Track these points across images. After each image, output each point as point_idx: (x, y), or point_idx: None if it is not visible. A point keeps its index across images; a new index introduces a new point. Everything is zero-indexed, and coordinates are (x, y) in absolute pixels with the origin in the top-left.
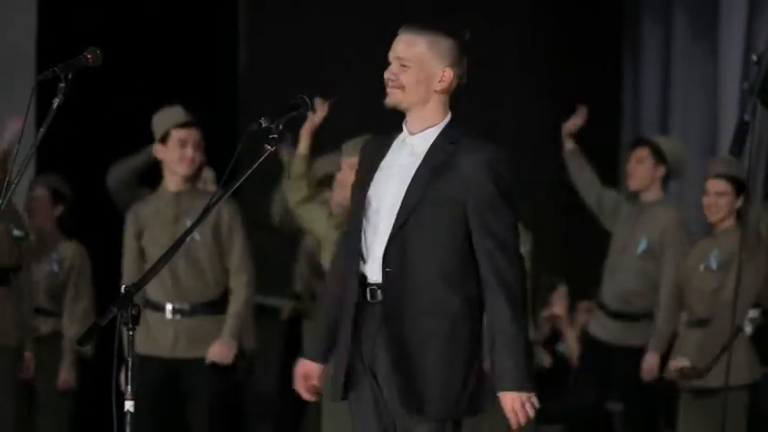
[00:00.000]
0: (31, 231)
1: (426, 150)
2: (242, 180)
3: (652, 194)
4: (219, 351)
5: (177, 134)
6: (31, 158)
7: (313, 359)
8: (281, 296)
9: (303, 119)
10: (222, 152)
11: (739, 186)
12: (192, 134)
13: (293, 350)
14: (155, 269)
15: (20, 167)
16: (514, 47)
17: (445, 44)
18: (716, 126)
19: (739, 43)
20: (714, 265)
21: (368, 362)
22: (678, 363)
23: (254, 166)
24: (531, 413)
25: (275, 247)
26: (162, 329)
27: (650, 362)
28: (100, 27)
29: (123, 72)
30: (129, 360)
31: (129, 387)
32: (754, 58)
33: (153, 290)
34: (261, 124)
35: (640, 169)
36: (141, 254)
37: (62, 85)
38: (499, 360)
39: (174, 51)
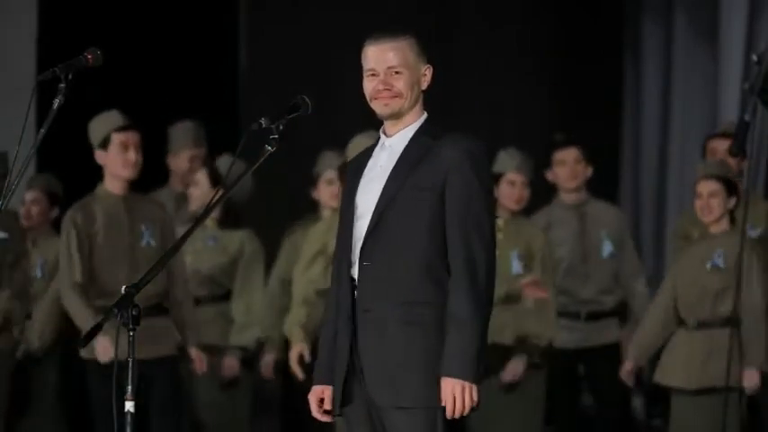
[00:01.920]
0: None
1: (404, 147)
2: (241, 180)
3: (584, 194)
4: (200, 366)
5: (118, 138)
6: (31, 159)
7: (325, 383)
8: None
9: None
10: (222, 152)
11: (730, 186)
12: (132, 137)
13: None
14: (154, 270)
15: (20, 168)
16: (514, 47)
17: (416, 44)
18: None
19: (739, 43)
20: (722, 264)
21: (358, 366)
22: None
23: (255, 167)
24: (468, 406)
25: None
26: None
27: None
28: (100, 27)
29: (123, 73)
30: (130, 360)
31: (129, 387)
32: (755, 58)
33: (100, 294)
34: (261, 124)
35: (579, 168)
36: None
37: (62, 85)
38: (449, 344)
39: (175, 52)
